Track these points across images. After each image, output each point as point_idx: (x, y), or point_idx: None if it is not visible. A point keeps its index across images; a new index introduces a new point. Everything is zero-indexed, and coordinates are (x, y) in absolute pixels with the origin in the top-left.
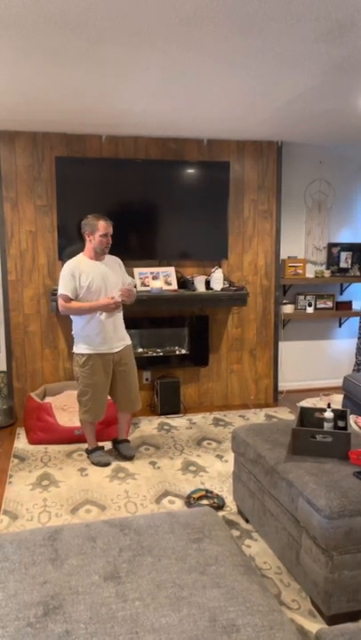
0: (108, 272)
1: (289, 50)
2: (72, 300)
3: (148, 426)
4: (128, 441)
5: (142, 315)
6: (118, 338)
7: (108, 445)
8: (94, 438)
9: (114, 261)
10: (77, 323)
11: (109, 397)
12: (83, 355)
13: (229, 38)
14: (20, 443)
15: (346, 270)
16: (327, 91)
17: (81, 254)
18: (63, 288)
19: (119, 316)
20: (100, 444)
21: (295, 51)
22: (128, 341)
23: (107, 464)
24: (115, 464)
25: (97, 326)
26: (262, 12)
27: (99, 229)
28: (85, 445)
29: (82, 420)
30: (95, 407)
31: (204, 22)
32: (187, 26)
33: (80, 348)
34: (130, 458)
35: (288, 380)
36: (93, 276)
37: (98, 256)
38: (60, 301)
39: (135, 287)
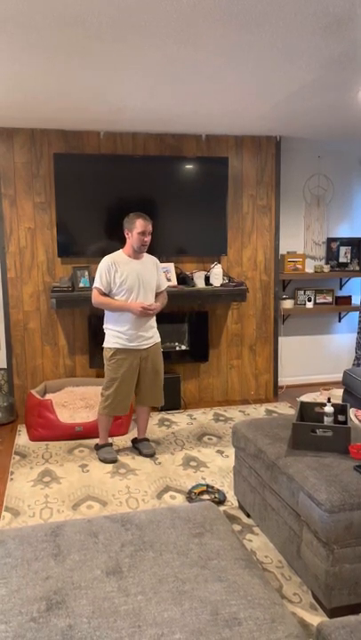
0: (143, 271)
1: (287, 44)
2: (105, 294)
3: (149, 421)
4: (147, 439)
5: None
6: (148, 335)
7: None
8: (107, 434)
9: (151, 262)
10: (109, 317)
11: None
12: (110, 349)
13: (227, 33)
14: (21, 439)
15: (345, 265)
16: (325, 85)
17: (120, 250)
18: (98, 281)
19: (152, 316)
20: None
21: (293, 45)
22: (157, 339)
23: (113, 461)
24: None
25: (127, 323)
26: (260, 6)
27: (136, 227)
28: (87, 442)
29: (100, 413)
30: (116, 402)
31: (202, 17)
32: (185, 21)
33: (109, 342)
34: (150, 456)
35: (288, 375)
36: (128, 273)
37: (135, 254)
38: (94, 293)
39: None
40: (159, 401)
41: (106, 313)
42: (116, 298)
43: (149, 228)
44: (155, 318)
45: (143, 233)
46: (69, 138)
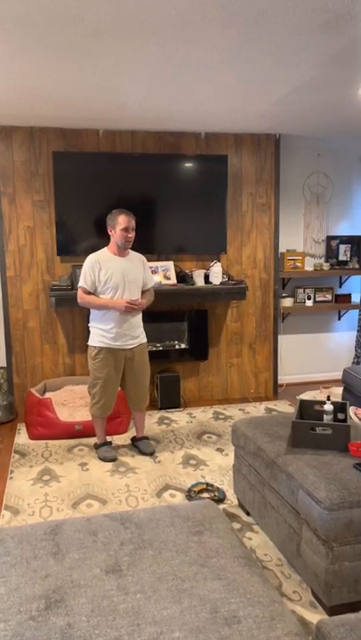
0: (128, 268)
1: (286, 42)
2: (91, 293)
3: (149, 420)
4: (147, 438)
5: None
6: (133, 335)
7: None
8: (103, 433)
9: (137, 259)
10: (95, 315)
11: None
12: (95, 347)
13: (226, 31)
14: (21, 438)
15: (345, 263)
16: (325, 82)
17: (105, 248)
18: (82, 280)
19: (137, 314)
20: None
21: (292, 42)
22: (143, 340)
23: (113, 459)
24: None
25: (112, 321)
26: (259, 4)
27: (119, 223)
28: (86, 441)
29: (93, 415)
30: (103, 401)
31: (201, 15)
32: (183, 19)
33: (93, 341)
34: (150, 454)
35: (288, 374)
36: (113, 271)
37: (120, 251)
38: (79, 292)
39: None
40: (143, 403)
41: (91, 311)
42: (101, 296)
43: (132, 223)
44: (140, 317)
45: (126, 229)
46: (68, 136)
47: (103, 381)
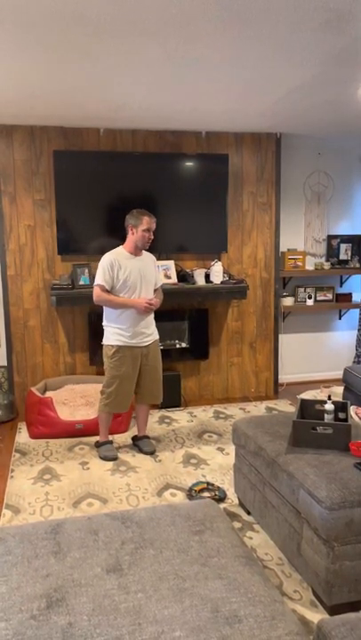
0: (144, 268)
1: (287, 40)
2: (108, 291)
3: (149, 419)
4: (148, 437)
5: None
6: (148, 332)
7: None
8: (107, 431)
9: (149, 258)
10: (110, 314)
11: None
12: (112, 346)
13: (227, 30)
14: (22, 437)
15: (346, 262)
16: (326, 81)
17: (121, 247)
18: (100, 278)
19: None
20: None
21: (293, 41)
22: (156, 336)
23: (113, 459)
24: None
25: (129, 320)
26: (260, 2)
27: (142, 224)
28: (87, 440)
29: (101, 411)
30: (118, 399)
31: (202, 14)
32: (184, 17)
33: (110, 340)
34: (151, 453)
35: (288, 373)
36: (131, 270)
37: (137, 251)
38: (96, 290)
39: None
40: (158, 398)
41: (105, 311)
42: (120, 295)
43: (154, 225)
44: (153, 315)
45: (148, 230)
46: (69, 135)
47: (121, 379)
